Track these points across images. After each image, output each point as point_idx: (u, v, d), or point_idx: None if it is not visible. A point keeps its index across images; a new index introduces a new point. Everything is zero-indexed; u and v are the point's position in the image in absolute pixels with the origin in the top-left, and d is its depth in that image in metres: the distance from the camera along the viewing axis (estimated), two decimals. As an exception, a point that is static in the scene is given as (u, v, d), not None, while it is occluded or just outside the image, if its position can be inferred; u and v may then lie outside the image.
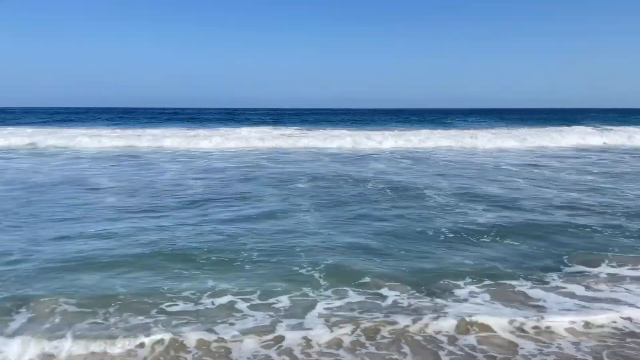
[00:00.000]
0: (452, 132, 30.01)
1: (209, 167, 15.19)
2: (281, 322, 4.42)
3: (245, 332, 4.21)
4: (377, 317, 4.46)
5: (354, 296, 5.01)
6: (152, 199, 9.82)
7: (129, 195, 10.25)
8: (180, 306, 4.73)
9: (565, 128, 33.32)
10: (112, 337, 4.03)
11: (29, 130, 30.17)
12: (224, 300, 4.87)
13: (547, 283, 5.35)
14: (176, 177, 12.73)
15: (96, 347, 3.90)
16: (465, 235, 7.18)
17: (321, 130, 32.00)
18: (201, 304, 4.79)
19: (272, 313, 4.61)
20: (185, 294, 4.99)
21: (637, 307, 4.65)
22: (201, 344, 4.01)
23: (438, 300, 4.87)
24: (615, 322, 4.39)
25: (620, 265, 5.87)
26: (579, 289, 5.16)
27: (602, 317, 4.41)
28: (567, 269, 5.81)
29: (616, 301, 4.86)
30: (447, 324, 4.29)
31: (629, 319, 4.44)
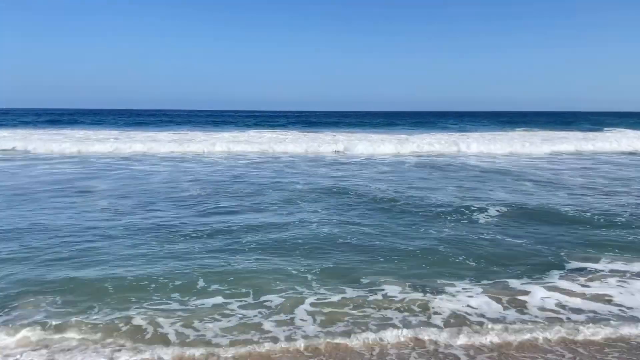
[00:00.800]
0: (451, 135, 29.68)
1: (203, 170, 15.09)
2: (270, 318, 4.40)
3: (230, 330, 4.20)
4: (368, 314, 4.46)
5: (350, 292, 4.98)
6: (146, 200, 9.69)
7: (123, 197, 10.06)
8: (170, 305, 4.68)
9: (561, 133, 33.03)
10: (94, 329, 4.08)
11: (18, 132, 29.30)
12: (215, 300, 4.79)
13: (543, 281, 5.35)
14: (169, 180, 12.55)
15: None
16: (466, 233, 7.22)
17: (318, 134, 31.47)
18: (190, 303, 4.73)
19: (262, 310, 4.56)
20: (175, 294, 4.91)
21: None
22: (183, 337, 4.03)
23: (430, 296, 4.86)
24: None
25: (617, 265, 5.88)
26: (574, 287, 5.17)
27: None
28: (569, 266, 5.83)
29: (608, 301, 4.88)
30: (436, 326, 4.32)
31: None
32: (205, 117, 71.77)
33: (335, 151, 21.27)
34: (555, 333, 4.12)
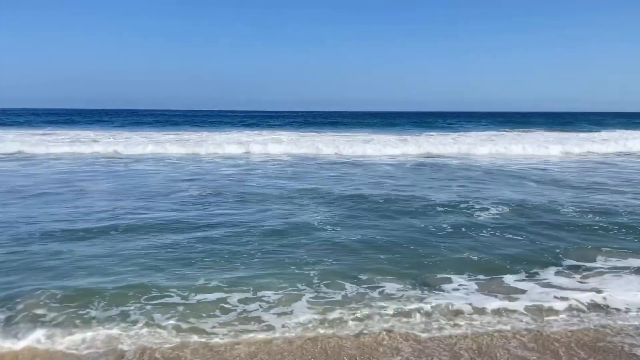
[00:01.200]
0: (451, 135, 29.56)
1: (202, 171, 14.95)
2: (268, 311, 4.51)
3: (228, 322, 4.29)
4: (365, 308, 4.54)
5: (349, 288, 5.05)
6: (146, 200, 9.61)
7: (122, 197, 10.01)
8: (168, 300, 4.72)
9: (561, 133, 32.90)
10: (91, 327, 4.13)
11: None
12: (215, 295, 4.83)
13: (538, 277, 5.43)
14: (168, 180, 12.38)
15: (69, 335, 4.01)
16: (467, 231, 7.30)
17: (316, 134, 31.28)
18: (190, 298, 4.77)
19: (262, 304, 4.65)
20: (173, 290, 4.92)
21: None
22: (179, 328, 4.16)
23: (426, 292, 4.94)
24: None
25: (613, 262, 5.94)
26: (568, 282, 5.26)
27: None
28: (565, 263, 5.90)
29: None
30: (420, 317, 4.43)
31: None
32: (202, 117, 71.49)
33: (335, 153, 21.01)
34: (534, 326, 4.30)
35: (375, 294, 4.90)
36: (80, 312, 4.40)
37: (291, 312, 4.48)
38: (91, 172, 14.06)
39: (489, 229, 7.39)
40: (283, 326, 4.22)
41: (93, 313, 4.40)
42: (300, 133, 33.31)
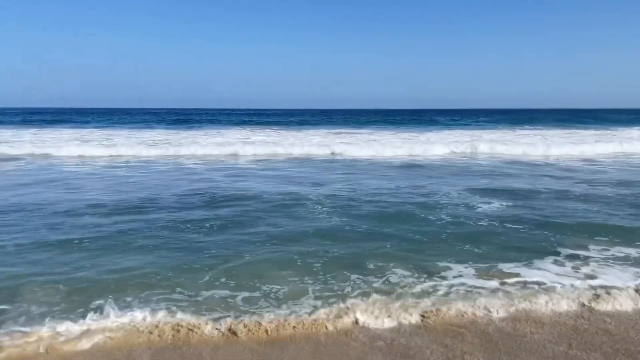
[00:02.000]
0: (447, 131, 29.04)
1: (202, 170, 14.87)
2: (268, 298, 4.73)
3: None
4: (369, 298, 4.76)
5: (354, 278, 5.25)
6: (145, 199, 9.54)
7: (121, 196, 9.93)
8: (173, 295, 4.82)
9: (569, 130, 32.30)
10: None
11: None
12: (221, 289, 4.96)
13: (533, 265, 5.66)
14: (167, 180, 12.26)
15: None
16: (464, 220, 7.61)
17: (313, 133, 30.61)
18: (194, 292, 4.89)
19: (264, 294, 4.84)
20: (179, 289, 5.00)
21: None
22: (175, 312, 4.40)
23: (427, 281, 5.16)
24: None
25: (608, 252, 6.16)
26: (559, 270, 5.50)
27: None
28: (562, 252, 6.11)
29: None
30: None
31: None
32: (199, 116, 70.60)
33: (337, 153, 20.20)
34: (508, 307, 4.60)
35: (379, 284, 5.09)
36: (85, 307, 4.48)
37: (298, 302, 4.63)
38: (87, 171, 13.88)
39: (490, 220, 7.62)
40: (289, 315, 4.36)
41: (96, 311, 4.44)
42: (302, 132, 32.68)
